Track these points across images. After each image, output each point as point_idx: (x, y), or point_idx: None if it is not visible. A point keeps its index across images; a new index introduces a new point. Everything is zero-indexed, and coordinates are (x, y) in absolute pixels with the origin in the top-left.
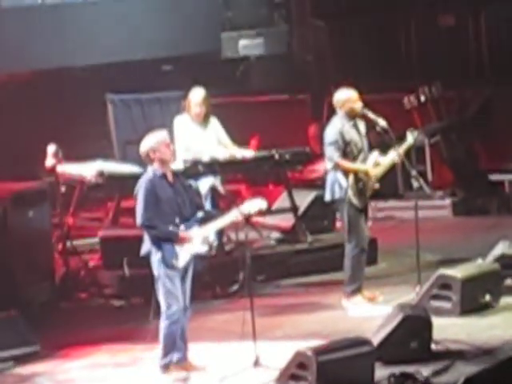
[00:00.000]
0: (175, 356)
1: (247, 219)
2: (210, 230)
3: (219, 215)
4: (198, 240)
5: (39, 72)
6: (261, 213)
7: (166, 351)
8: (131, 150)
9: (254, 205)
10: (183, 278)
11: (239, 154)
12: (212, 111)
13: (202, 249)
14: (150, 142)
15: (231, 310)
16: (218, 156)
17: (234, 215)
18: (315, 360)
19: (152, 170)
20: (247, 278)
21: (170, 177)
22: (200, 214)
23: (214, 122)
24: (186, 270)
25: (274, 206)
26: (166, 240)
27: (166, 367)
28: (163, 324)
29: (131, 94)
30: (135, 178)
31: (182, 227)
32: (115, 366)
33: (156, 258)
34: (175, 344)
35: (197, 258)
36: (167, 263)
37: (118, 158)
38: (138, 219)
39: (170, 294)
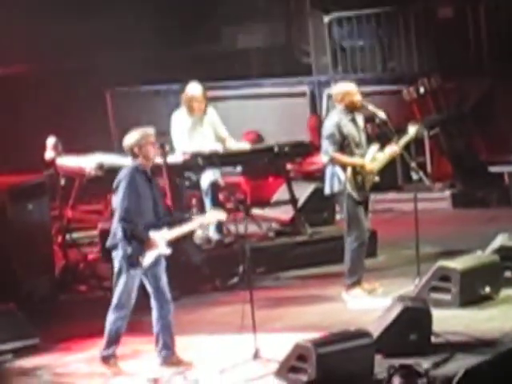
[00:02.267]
0: (164, 353)
1: (247, 212)
2: (174, 234)
3: (184, 220)
4: (163, 242)
5: (39, 65)
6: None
7: (109, 344)
8: None
9: (212, 216)
10: (157, 278)
11: (236, 146)
12: (211, 104)
13: (166, 251)
14: (137, 137)
15: (231, 303)
16: (216, 148)
17: (194, 224)
18: (315, 352)
19: (134, 164)
20: (247, 271)
21: (148, 174)
22: (168, 217)
23: (212, 113)
24: (156, 269)
25: (274, 199)
26: (136, 239)
27: (106, 359)
28: (110, 318)
29: (130, 87)
30: None
31: (153, 228)
32: (117, 357)
33: (123, 253)
34: (119, 338)
35: (182, 253)
36: (133, 260)
37: (117, 151)
38: (119, 213)
39: (126, 292)
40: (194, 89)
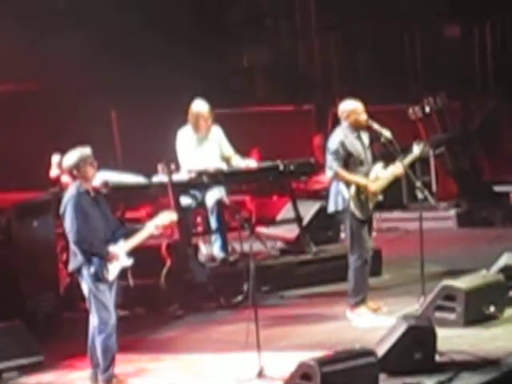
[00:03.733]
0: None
1: (252, 230)
2: (131, 244)
3: (137, 230)
4: (123, 254)
5: (44, 82)
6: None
7: (106, 366)
8: (135, 160)
9: (164, 217)
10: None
11: (242, 164)
12: (216, 121)
13: (128, 262)
14: (74, 159)
15: (235, 321)
16: (221, 167)
17: (150, 229)
18: (319, 371)
19: (75, 186)
20: (251, 289)
21: (92, 192)
22: (124, 229)
23: (217, 131)
24: (112, 288)
25: (279, 217)
26: (96, 255)
27: (107, 382)
28: (99, 339)
29: (135, 105)
30: (140, 187)
31: (108, 243)
32: (117, 376)
33: (87, 272)
34: (114, 357)
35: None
36: (99, 276)
37: (123, 168)
38: (72, 236)
39: (103, 307)
40: (199, 106)
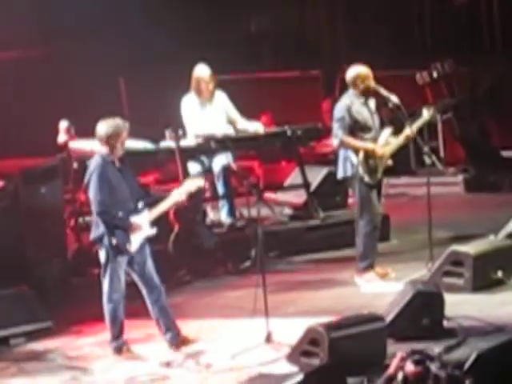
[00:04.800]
0: (167, 336)
1: (260, 195)
2: (156, 213)
3: (162, 198)
4: (146, 224)
5: (52, 49)
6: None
7: (115, 335)
8: (143, 127)
9: (190, 184)
10: (143, 263)
11: (250, 127)
12: (223, 87)
13: (151, 232)
14: (108, 129)
15: (243, 287)
16: (228, 132)
17: (175, 196)
18: (327, 336)
19: (101, 155)
20: (259, 255)
21: (117, 163)
22: (148, 198)
23: (222, 96)
24: (141, 254)
25: (287, 183)
26: (119, 227)
27: (118, 350)
28: (107, 309)
29: (143, 72)
30: (148, 153)
31: (132, 213)
32: (128, 342)
33: (109, 243)
34: (122, 326)
35: (195, 237)
36: (121, 248)
37: (130, 135)
38: (95, 207)
39: (117, 278)
40: (201, 70)
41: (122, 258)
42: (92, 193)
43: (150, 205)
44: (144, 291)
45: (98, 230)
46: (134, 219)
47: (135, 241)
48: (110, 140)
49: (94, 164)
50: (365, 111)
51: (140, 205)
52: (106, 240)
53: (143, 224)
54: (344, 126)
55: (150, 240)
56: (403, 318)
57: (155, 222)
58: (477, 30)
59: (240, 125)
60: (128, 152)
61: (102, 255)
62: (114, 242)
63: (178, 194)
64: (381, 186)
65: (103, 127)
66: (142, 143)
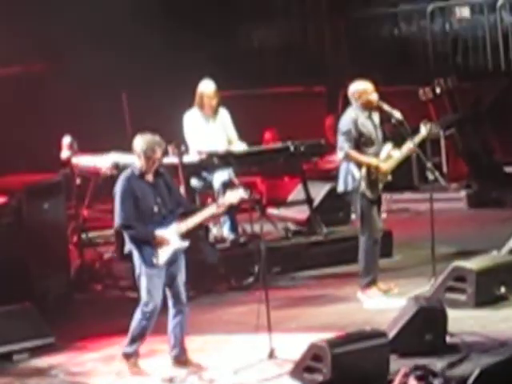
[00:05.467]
0: (174, 352)
1: (263, 211)
2: (188, 226)
3: (198, 210)
4: (176, 236)
5: (55, 64)
6: (245, 201)
7: (131, 341)
8: None
9: (232, 196)
10: (172, 276)
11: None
12: (226, 103)
13: (182, 244)
14: (151, 143)
15: (246, 303)
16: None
17: (212, 209)
18: (330, 352)
19: (132, 168)
20: (262, 271)
21: (149, 176)
22: (179, 211)
23: (224, 113)
24: (173, 267)
25: (290, 198)
26: (143, 240)
27: (127, 356)
28: (136, 317)
29: (146, 87)
30: None
31: (161, 226)
32: (139, 356)
33: (136, 256)
34: (143, 337)
35: (198, 253)
36: (147, 262)
37: (133, 150)
38: (116, 219)
39: (149, 292)
40: (205, 86)
41: (151, 272)
42: (116, 206)
43: (181, 217)
44: (169, 303)
45: (128, 243)
46: (162, 232)
47: (163, 254)
48: (145, 155)
49: (121, 177)
50: (369, 125)
51: (170, 218)
52: (134, 253)
53: (172, 237)
54: (350, 138)
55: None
56: (406, 334)
57: (187, 235)
58: (480, 45)
59: (234, 147)
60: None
61: (136, 267)
62: (141, 255)
63: (216, 206)
64: (381, 201)
65: (140, 142)
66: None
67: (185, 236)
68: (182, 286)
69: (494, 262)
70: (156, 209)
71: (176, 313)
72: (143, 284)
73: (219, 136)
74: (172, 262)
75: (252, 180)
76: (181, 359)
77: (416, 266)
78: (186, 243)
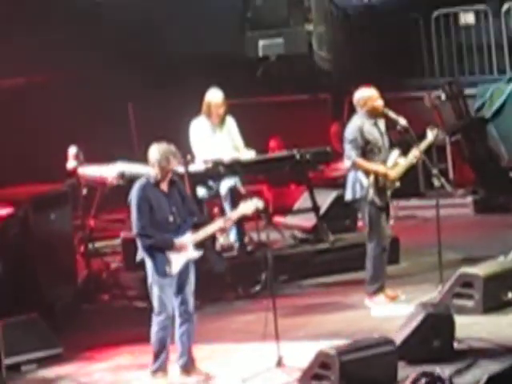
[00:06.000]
0: (181, 361)
1: (269, 219)
2: (202, 236)
3: (210, 221)
4: (190, 246)
5: (61, 75)
6: (260, 212)
7: (156, 357)
8: None
9: (248, 206)
10: (181, 285)
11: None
12: (232, 111)
13: (195, 254)
14: (165, 152)
15: (254, 311)
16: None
17: (224, 220)
18: (338, 359)
19: (146, 177)
20: (269, 279)
21: (164, 186)
22: (192, 220)
23: (230, 122)
24: (183, 276)
25: (296, 206)
26: (161, 248)
27: (154, 373)
28: (153, 330)
29: (152, 96)
30: None
31: (175, 235)
32: (138, 368)
33: (149, 265)
34: (165, 349)
35: (205, 262)
36: (159, 271)
37: (139, 160)
38: (134, 228)
39: (161, 301)
40: (212, 94)
41: (165, 281)
42: (132, 215)
43: (194, 227)
44: (177, 311)
45: (140, 251)
46: (178, 240)
47: (176, 263)
48: (159, 165)
49: (136, 186)
50: (375, 132)
51: (185, 227)
52: (146, 262)
53: (185, 246)
54: (357, 147)
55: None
56: (414, 341)
57: (200, 245)
58: (484, 51)
59: (241, 155)
60: (137, 177)
61: (148, 277)
62: (152, 263)
63: (228, 218)
64: (388, 208)
65: (155, 152)
66: (148, 168)
67: (198, 246)
68: (191, 296)
69: (501, 267)
70: (171, 218)
71: (183, 321)
72: (155, 293)
73: (226, 145)
74: (183, 271)
75: (258, 188)
76: (188, 368)
77: (423, 273)
78: (199, 253)
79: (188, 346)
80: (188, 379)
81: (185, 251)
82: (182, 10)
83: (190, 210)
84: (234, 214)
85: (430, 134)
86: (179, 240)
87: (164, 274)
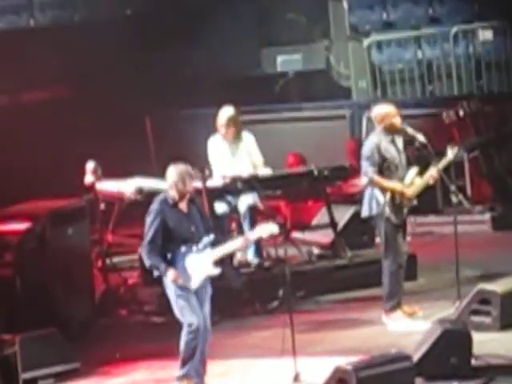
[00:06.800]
0: (192, 371)
1: (287, 235)
2: (220, 253)
3: (229, 239)
4: (209, 263)
5: (78, 89)
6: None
7: (184, 363)
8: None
9: (265, 229)
10: (199, 301)
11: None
12: (250, 127)
13: (215, 271)
14: (182, 174)
15: (271, 327)
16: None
17: (242, 241)
18: (355, 376)
19: (165, 195)
20: (287, 295)
21: (183, 205)
22: (210, 238)
23: (248, 138)
24: (201, 293)
25: (314, 222)
26: (156, 268)
27: (179, 378)
28: (184, 339)
29: (170, 111)
30: None
31: (195, 253)
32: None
33: (165, 278)
34: (194, 357)
35: (223, 277)
36: (177, 283)
37: (157, 175)
38: (144, 240)
39: (187, 310)
40: (226, 112)
41: (184, 291)
42: (146, 228)
43: (213, 244)
44: None
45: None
46: (193, 258)
47: (196, 278)
48: (176, 187)
49: (155, 201)
50: (392, 149)
51: (205, 244)
52: (163, 277)
53: (205, 263)
54: (373, 164)
55: None
56: (431, 357)
57: (219, 261)
58: (503, 67)
59: (259, 172)
60: (154, 192)
61: (167, 291)
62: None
63: (246, 239)
64: (405, 225)
65: (172, 174)
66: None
67: (216, 262)
68: (208, 312)
69: None
70: (191, 237)
71: (201, 340)
72: (182, 305)
73: (243, 161)
74: (201, 287)
75: (276, 204)
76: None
77: (440, 289)
78: (218, 269)
79: (201, 363)
80: None
81: (202, 268)
82: (198, 25)
83: (208, 227)
84: (251, 235)
85: (450, 153)
86: (194, 259)
87: (184, 287)
